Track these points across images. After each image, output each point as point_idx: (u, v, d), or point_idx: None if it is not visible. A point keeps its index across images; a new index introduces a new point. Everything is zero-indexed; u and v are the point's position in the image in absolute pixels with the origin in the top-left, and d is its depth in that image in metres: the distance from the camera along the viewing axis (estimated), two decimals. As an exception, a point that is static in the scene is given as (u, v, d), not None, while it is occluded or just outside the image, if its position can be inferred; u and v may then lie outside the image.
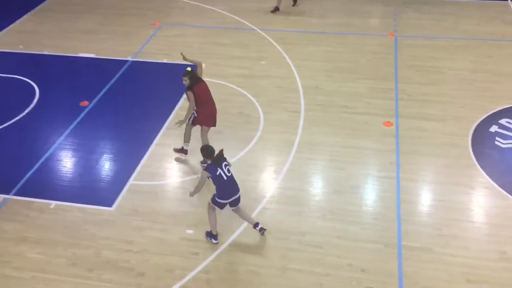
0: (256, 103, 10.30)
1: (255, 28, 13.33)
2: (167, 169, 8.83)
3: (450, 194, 7.94)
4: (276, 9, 14.01)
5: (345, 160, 8.74)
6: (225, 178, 6.79)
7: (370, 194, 8.11)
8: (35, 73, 11.56)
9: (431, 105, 9.97)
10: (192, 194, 7.14)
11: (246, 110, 10.13)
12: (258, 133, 9.46)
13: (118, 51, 12.39)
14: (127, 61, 11.98)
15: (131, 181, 8.44)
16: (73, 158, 9.06)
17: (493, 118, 9.50)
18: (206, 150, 6.89)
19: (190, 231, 7.46)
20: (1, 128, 9.81)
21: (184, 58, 8.83)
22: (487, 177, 8.22)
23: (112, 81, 11.21)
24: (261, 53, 12.16)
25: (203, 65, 8.82)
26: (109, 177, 8.62)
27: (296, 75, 11.21)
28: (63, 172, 8.74)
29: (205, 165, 6.89)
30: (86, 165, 8.88)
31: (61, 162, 8.96)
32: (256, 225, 7.28)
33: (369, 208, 7.80)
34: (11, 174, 8.64)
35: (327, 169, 8.63)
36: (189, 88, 8.21)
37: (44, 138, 9.52)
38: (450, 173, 8.35)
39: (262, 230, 7.29)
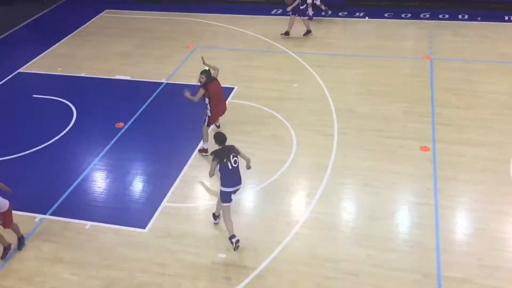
0: (289, 126, 10.25)
1: (287, 50, 13.37)
2: (199, 191, 8.83)
3: (492, 223, 7.65)
4: (286, 34, 13.95)
5: (381, 185, 8.56)
6: (230, 167, 7.15)
7: (406, 221, 7.89)
8: (73, 95, 11.85)
9: (469, 130, 9.72)
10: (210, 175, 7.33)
11: (278, 132, 10.09)
12: (291, 156, 9.38)
13: (153, 73, 12.61)
14: (162, 83, 12.17)
15: (164, 203, 8.47)
16: (108, 179, 9.17)
17: (536, 144, 9.19)
18: (219, 137, 7.35)
19: (222, 255, 7.39)
20: (39, 149, 10.03)
21: (204, 62, 9.60)
22: (530, 205, 7.91)
23: (147, 103, 11.37)
24: (294, 75, 12.16)
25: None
26: (143, 198, 8.67)
27: (329, 98, 11.14)
28: (98, 193, 8.84)
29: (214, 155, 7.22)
30: (121, 186, 8.97)
31: (96, 183, 9.07)
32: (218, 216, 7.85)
33: (406, 235, 7.58)
34: (48, 195, 8.79)
35: (362, 194, 8.46)
36: (204, 85, 8.99)
37: (81, 159, 9.69)
38: (491, 200, 8.06)
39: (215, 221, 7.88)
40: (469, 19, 14.38)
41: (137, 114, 11.00)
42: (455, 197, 8.19)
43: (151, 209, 8.35)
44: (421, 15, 14.85)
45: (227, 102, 10.98)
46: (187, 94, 9.01)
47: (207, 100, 9.17)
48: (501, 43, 13.00)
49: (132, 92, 11.99)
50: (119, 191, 8.87)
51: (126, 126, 10.60)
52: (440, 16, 14.72)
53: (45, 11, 17.29)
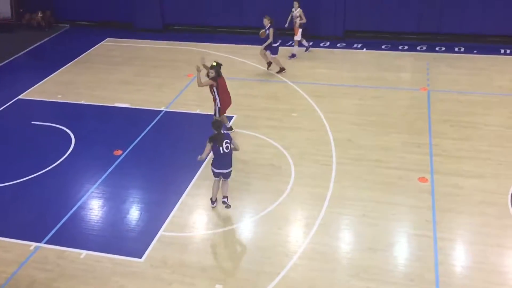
0: (287, 155, 10.26)
1: (286, 80, 13.50)
2: (197, 220, 8.76)
3: (491, 256, 7.58)
4: (282, 69, 13.82)
5: (379, 216, 8.51)
6: (221, 152, 8.37)
7: (405, 253, 7.82)
8: (72, 122, 11.87)
9: (467, 162, 9.74)
10: (200, 158, 8.49)
11: (277, 162, 10.09)
12: (289, 186, 9.36)
13: (152, 101, 12.68)
14: (161, 111, 12.22)
15: (161, 232, 8.38)
16: (105, 207, 9.10)
17: (533, 176, 9.21)
18: (216, 124, 8.66)
19: (219, 286, 7.28)
20: (37, 176, 9.99)
21: (204, 65, 10.63)
22: (530, 238, 7.86)
23: (146, 131, 11.40)
24: (292, 105, 12.24)
25: None
26: (139, 227, 8.59)
27: (328, 128, 11.18)
28: (95, 221, 8.76)
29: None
30: (117, 214, 8.90)
31: (93, 211, 9.00)
32: (224, 197, 8.71)
33: (405, 268, 7.49)
34: (44, 222, 8.70)
35: (360, 225, 8.40)
36: (214, 79, 10.26)
37: (78, 186, 9.64)
38: (490, 233, 8.01)
39: (226, 204, 8.68)
40: (466, 52, 14.59)
41: (136, 141, 11.00)
42: (454, 230, 8.14)
43: (147, 238, 8.26)
44: (418, 47, 15.07)
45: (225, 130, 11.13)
46: (201, 64, 10.36)
47: (215, 93, 10.45)
48: (497, 76, 13.16)
49: (131, 119, 12.03)
50: (115, 219, 8.79)
51: (124, 154, 10.59)
52: (437, 48, 14.94)
53: (47, 38, 17.49)
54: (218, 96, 10.49)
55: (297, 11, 14.30)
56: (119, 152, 10.64)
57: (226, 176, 8.67)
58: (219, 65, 10.45)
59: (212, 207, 8.90)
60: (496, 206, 8.55)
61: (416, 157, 9.96)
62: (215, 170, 8.60)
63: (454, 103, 11.89)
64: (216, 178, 8.76)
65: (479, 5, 14.54)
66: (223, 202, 8.73)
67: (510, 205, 8.54)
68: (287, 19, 14.60)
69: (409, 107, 11.88)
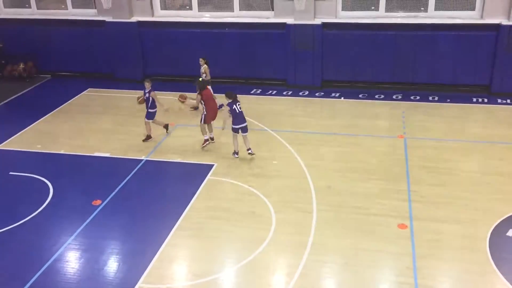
0: (268, 203, 10.27)
1: (266, 128, 13.69)
2: (177, 271, 8.61)
3: (472, 302, 7.57)
4: (148, 138, 13.13)
5: (360, 263, 8.48)
6: (237, 111, 11.60)
7: (388, 301, 7.77)
8: (50, 172, 11.75)
9: (445, 207, 9.87)
10: (224, 127, 11.97)
11: (257, 209, 10.08)
12: (270, 234, 9.31)
13: (132, 150, 12.69)
14: (141, 160, 12.21)
15: (140, 283, 8.19)
16: (82, 259, 8.89)
17: (509, 222, 9.33)
18: (229, 94, 11.76)
19: None
20: (11, 228, 9.76)
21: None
22: (509, 285, 7.87)
23: (126, 180, 11.33)
24: (273, 152, 12.37)
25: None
26: (117, 279, 8.37)
27: (308, 175, 11.28)
28: (71, 274, 8.53)
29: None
30: (95, 266, 8.68)
31: (69, 264, 8.78)
32: (248, 149, 11.80)
33: (388, 316, 7.42)
34: (18, 276, 8.44)
35: (342, 273, 8.34)
36: (199, 92, 12.25)
37: (54, 238, 9.43)
38: (471, 280, 8.03)
39: (250, 152, 11.84)
40: (439, 101, 15.04)
41: (115, 191, 10.91)
42: (435, 276, 8.14)
43: (125, 290, 8.06)
44: (394, 96, 15.52)
45: (206, 179, 11.20)
46: (186, 99, 12.98)
47: (202, 104, 12.26)
48: (471, 124, 13.57)
49: (111, 169, 11.97)
50: (93, 271, 8.57)
51: (104, 204, 10.47)
52: (412, 97, 15.41)
53: (28, 89, 17.55)
54: (204, 105, 12.27)
55: (202, 68, 14.33)
56: (98, 202, 10.51)
57: (244, 130, 11.76)
58: (199, 81, 12.70)
59: (236, 157, 11.89)
60: (475, 252, 8.61)
61: (395, 203, 10.06)
62: (236, 126, 11.62)
63: (430, 150, 12.17)
64: (236, 133, 11.70)
65: (450, 57, 15.15)
66: (249, 153, 11.86)
67: (488, 251, 8.61)
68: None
69: (387, 154, 12.10)
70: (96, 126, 14.21)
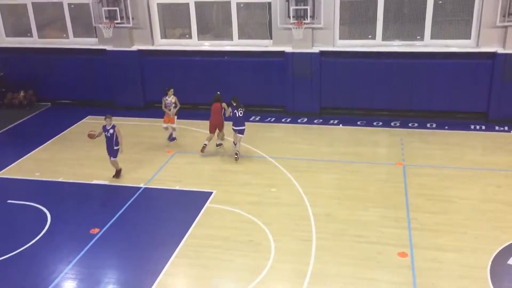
0: (267, 231, 10.21)
1: (265, 156, 13.72)
2: (175, 301, 8.50)
3: (475, 333, 7.46)
4: (118, 172, 12.75)
5: (360, 293, 8.40)
6: (237, 116, 13.23)
7: (388, 331, 7.65)
8: (49, 200, 11.72)
9: (445, 235, 9.81)
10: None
11: (256, 238, 10.01)
12: (269, 262, 9.23)
13: (131, 178, 12.68)
14: (140, 188, 12.19)
15: (137, 314, 8.09)
16: (79, 289, 8.79)
17: (510, 250, 9.27)
18: (235, 99, 13.50)
19: None
20: (8, 257, 9.67)
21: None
22: (511, 313, 7.79)
23: (124, 208, 11.29)
24: (272, 180, 12.36)
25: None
26: (114, 309, 8.27)
27: (307, 203, 11.25)
28: (67, 303, 8.43)
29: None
30: (92, 296, 8.59)
31: (66, 293, 8.68)
32: (236, 152, 13.48)
33: None
34: (14, 306, 8.33)
35: (342, 303, 8.25)
36: (212, 104, 14.01)
37: (51, 267, 9.34)
38: (472, 309, 7.94)
39: (236, 156, 13.45)
40: (437, 128, 15.12)
41: (113, 219, 10.85)
42: (436, 306, 8.05)
43: (122, 321, 7.94)
44: (392, 123, 15.61)
45: (204, 207, 11.18)
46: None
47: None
48: (469, 150, 13.60)
49: (110, 197, 11.95)
50: (89, 301, 8.47)
51: (101, 232, 10.40)
52: (410, 124, 15.49)
53: (28, 117, 17.64)
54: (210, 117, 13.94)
55: (171, 98, 14.46)
56: (96, 230, 10.45)
57: (240, 132, 13.38)
58: (216, 95, 14.03)
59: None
60: (476, 281, 8.53)
61: (395, 232, 10.01)
62: (233, 127, 13.43)
63: (429, 177, 12.17)
64: (235, 132, 13.53)
65: (447, 84, 15.29)
66: (235, 156, 13.45)
67: (490, 280, 8.53)
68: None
69: (386, 181, 12.10)
70: (95, 153, 14.20)
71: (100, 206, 11.47)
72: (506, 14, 14.22)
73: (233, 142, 14.01)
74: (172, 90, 14.63)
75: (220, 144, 14.35)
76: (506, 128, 14.77)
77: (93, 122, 16.82)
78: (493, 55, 14.84)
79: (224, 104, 13.90)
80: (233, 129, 13.57)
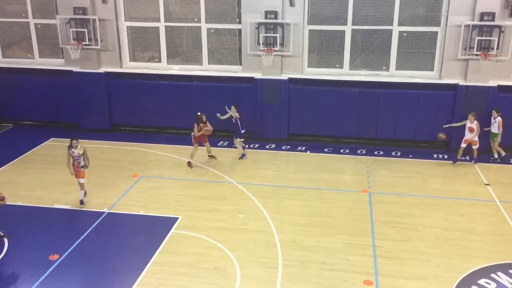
0: (233, 258, 10.08)
1: (233, 181, 13.65)
2: (136, 332, 8.22)
3: None
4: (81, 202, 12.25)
5: (326, 322, 8.33)
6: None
7: None
8: (6, 225, 11.18)
9: (409, 263, 9.91)
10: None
11: (222, 265, 9.85)
12: (235, 291, 9.10)
13: (94, 202, 12.35)
14: (103, 212, 11.88)
15: None
16: (35, 318, 8.41)
17: (472, 278, 9.42)
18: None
19: None
20: (-39, 284, 9.22)
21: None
22: None
23: (85, 234, 10.95)
24: (239, 206, 12.28)
25: None
26: None
27: (274, 229, 11.20)
28: (21, 334, 8.03)
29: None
30: (48, 326, 8.21)
31: (21, 323, 8.28)
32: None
33: None
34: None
35: (307, 332, 8.15)
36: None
37: (6, 295, 8.93)
38: (436, 338, 7.97)
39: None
40: (402, 156, 15.43)
41: (74, 245, 10.50)
42: (400, 334, 8.05)
43: None
44: (358, 151, 15.85)
45: (169, 233, 10.98)
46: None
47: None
48: (432, 179, 13.90)
49: (71, 222, 11.60)
50: (45, 332, 8.10)
51: (61, 258, 10.03)
52: (376, 152, 15.76)
53: (-12, 137, 17.11)
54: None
55: (78, 150, 12.64)
56: (56, 256, 10.08)
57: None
58: (198, 116, 14.47)
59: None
60: (440, 309, 8.61)
61: (360, 259, 10.04)
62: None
63: (394, 205, 12.34)
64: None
65: (411, 114, 15.69)
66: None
67: (452, 307, 8.63)
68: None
69: (352, 208, 12.19)
70: (58, 177, 13.81)
71: (60, 232, 11.08)
72: (468, 47, 14.81)
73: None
74: (77, 140, 12.21)
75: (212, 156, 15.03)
76: (467, 157, 15.20)
77: (56, 145, 16.45)
78: (455, 86, 15.37)
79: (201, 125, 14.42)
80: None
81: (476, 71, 15.04)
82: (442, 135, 14.86)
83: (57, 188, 13.14)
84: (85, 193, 12.40)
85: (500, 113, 14.62)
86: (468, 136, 14.60)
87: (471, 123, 14.49)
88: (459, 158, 14.83)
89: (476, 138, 14.57)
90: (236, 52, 16.66)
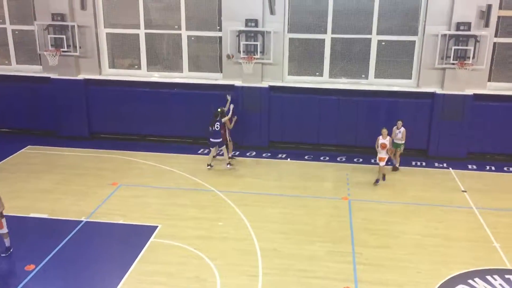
0: (213, 267, 10.01)
1: (213, 189, 13.59)
2: None
3: None
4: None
5: (306, 330, 8.32)
6: (212, 129, 14.56)
7: None
8: (-19, 233, 10.98)
9: (388, 270, 9.97)
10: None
11: (202, 274, 9.78)
12: (215, 300, 9.03)
13: (72, 211, 12.16)
14: (81, 221, 11.70)
15: None
16: (9, 331, 8.21)
17: (450, 284, 9.53)
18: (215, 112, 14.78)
19: None
20: None
21: None
22: None
23: (62, 243, 10.75)
24: (219, 214, 12.22)
25: None
26: None
27: (254, 237, 11.17)
28: None
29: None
30: (23, 339, 8.03)
31: (-5, 336, 8.08)
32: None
33: None
34: None
35: None
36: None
37: (-21, 307, 8.70)
38: None
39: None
40: (381, 163, 15.59)
41: (51, 255, 10.30)
42: None
43: None
44: (338, 159, 15.96)
45: (149, 242, 10.86)
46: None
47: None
48: (411, 186, 14.05)
49: (48, 231, 11.36)
50: None
51: (37, 269, 9.83)
52: (355, 160, 15.89)
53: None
54: None
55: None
56: (32, 267, 9.87)
57: (214, 144, 14.76)
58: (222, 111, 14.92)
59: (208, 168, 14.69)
60: (419, 315, 8.68)
61: (341, 266, 10.08)
62: (209, 140, 14.94)
63: (373, 212, 12.44)
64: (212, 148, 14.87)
65: (389, 122, 15.76)
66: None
67: (431, 314, 8.71)
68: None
69: (332, 215, 12.25)
70: (35, 185, 13.58)
71: (36, 241, 10.86)
72: (444, 56, 15.09)
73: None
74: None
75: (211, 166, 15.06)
76: (445, 164, 15.44)
77: (33, 153, 16.18)
78: (432, 95, 15.61)
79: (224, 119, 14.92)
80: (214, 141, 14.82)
81: (452, 80, 15.33)
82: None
83: (34, 197, 12.90)
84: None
85: (403, 124, 14.62)
86: (380, 153, 13.82)
87: (384, 139, 13.79)
88: (380, 177, 14.10)
89: (386, 155, 13.83)
90: (217, 60, 16.67)
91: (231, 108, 15.53)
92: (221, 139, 14.76)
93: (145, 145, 16.82)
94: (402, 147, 14.87)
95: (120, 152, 16.15)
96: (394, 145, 14.62)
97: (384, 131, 13.91)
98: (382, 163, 13.94)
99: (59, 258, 10.24)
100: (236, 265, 10.09)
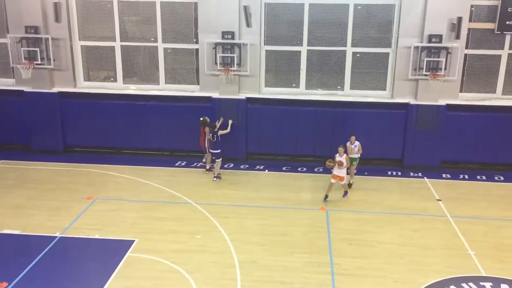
0: (191, 281, 9.92)
1: (191, 201, 13.50)
2: None
3: None
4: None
5: None
6: (213, 137, 15.05)
7: None
8: (-50, 251, 10.69)
9: (366, 280, 10.03)
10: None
11: (180, 288, 9.69)
12: (193, 315, 8.93)
13: (46, 226, 11.92)
14: (55, 237, 11.46)
15: None
16: None
17: (427, 292, 9.67)
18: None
19: None
20: None
21: None
22: None
23: (36, 260, 10.51)
24: (197, 226, 12.14)
25: None
26: None
27: (232, 250, 11.11)
28: None
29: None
30: None
31: None
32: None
33: None
34: None
35: None
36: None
37: None
38: None
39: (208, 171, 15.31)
40: (357, 174, 15.62)
41: (24, 272, 10.05)
42: None
43: None
44: (315, 169, 16.04)
45: (125, 257, 10.72)
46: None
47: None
48: (387, 196, 14.21)
49: (21, 247, 11.10)
50: None
51: (10, 287, 9.57)
52: (332, 170, 15.93)
53: None
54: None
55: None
56: (4, 284, 9.62)
57: (214, 156, 15.08)
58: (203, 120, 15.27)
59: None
60: (396, 324, 8.73)
61: (319, 277, 10.10)
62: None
63: (350, 222, 12.52)
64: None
65: (365, 132, 15.93)
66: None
67: (408, 322, 8.78)
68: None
69: (310, 226, 12.28)
70: (7, 200, 13.27)
71: (9, 258, 10.58)
72: (417, 68, 15.39)
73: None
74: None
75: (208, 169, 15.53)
76: (419, 174, 15.67)
77: (5, 167, 15.83)
78: (406, 105, 15.88)
79: (207, 129, 15.24)
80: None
81: (426, 91, 15.63)
82: (330, 163, 13.52)
83: (6, 213, 12.60)
84: None
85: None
86: (336, 171, 13.46)
87: (340, 157, 13.44)
88: (327, 195, 13.71)
89: (344, 173, 13.57)
90: (194, 72, 16.66)
91: (229, 123, 15.64)
92: (219, 150, 15.04)
93: (121, 158, 16.63)
94: (357, 161, 14.66)
95: (95, 165, 15.92)
96: (350, 160, 14.16)
97: (341, 148, 13.60)
98: (334, 181, 13.51)
99: (33, 276, 10.00)
100: (215, 279, 10.01)
